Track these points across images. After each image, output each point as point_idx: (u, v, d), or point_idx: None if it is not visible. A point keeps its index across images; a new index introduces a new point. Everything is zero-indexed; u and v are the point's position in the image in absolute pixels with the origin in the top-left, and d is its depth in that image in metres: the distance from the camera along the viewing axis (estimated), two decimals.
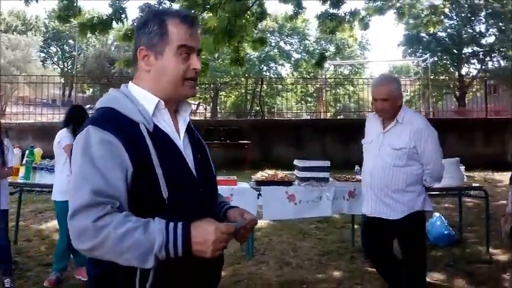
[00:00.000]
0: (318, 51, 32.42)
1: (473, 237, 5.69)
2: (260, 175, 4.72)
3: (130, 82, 1.45)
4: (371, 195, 3.17)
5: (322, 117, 16.00)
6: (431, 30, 9.64)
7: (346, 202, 4.54)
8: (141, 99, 1.38)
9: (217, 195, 1.56)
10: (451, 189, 5.13)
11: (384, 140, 3.10)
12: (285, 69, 34.86)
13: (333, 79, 19.91)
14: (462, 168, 5.19)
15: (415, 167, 3.06)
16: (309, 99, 26.09)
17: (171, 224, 1.22)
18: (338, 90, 18.14)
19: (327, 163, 4.66)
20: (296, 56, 34.89)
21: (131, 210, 1.25)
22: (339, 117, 16.34)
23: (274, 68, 33.71)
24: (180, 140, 1.41)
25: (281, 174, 4.79)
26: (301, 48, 34.45)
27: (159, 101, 1.38)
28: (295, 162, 4.87)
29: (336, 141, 12.09)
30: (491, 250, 5.06)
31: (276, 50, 32.81)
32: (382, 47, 79.49)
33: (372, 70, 42.71)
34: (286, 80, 22.59)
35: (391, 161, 3.05)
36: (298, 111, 19.62)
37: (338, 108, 19.76)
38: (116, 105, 1.35)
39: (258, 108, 18.17)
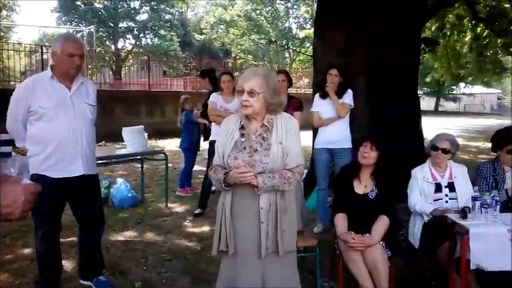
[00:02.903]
0: None
1: (152, 196, 6.62)
2: None
3: None
4: (74, 154, 3.22)
5: None
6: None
7: None
8: None
9: None
10: (138, 154, 5.77)
11: (75, 99, 3.25)
12: None
13: None
14: (145, 135, 5.89)
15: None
16: None
17: None
18: None
19: (9, 136, 4.36)
20: None
21: None
22: None
23: None
24: None
25: None
26: None
27: None
28: None
29: None
30: (169, 205, 6.08)
31: None
32: (33, 11, 73.36)
33: (20, 35, 38.92)
34: None
35: (91, 116, 3.34)
36: None
37: None
38: None
39: None
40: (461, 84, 35.12)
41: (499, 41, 13.86)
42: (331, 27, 6.11)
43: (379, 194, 3.31)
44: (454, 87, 37.10)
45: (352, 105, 4.79)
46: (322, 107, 4.86)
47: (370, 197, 3.32)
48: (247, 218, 2.47)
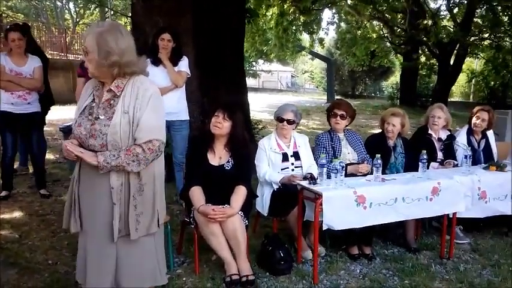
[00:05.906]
0: None
1: None
2: None
3: None
4: None
5: None
6: None
7: None
8: None
9: None
10: None
11: None
12: None
13: None
14: None
15: None
16: None
17: None
18: None
19: None
20: None
21: None
22: None
23: None
24: None
25: None
26: None
27: None
28: None
29: None
30: None
31: None
32: None
33: None
34: None
35: None
36: None
37: None
38: None
39: None
40: (260, 61, 38.23)
41: (302, 19, 15.61)
42: None
43: (234, 165, 3.53)
44: (254, 63, 40.05)
45: (189, 73, 4.89)
46: (155, 76, 4.76)
47: (227, 168, 3.51)
48: (99, 197, 2.38)
